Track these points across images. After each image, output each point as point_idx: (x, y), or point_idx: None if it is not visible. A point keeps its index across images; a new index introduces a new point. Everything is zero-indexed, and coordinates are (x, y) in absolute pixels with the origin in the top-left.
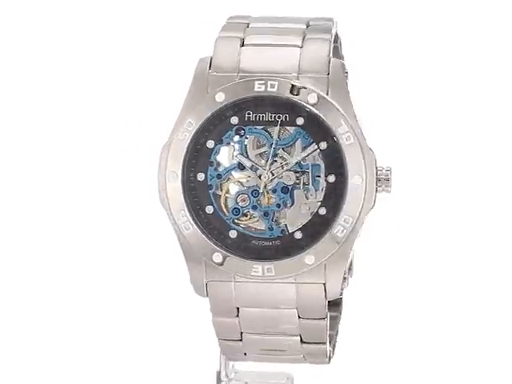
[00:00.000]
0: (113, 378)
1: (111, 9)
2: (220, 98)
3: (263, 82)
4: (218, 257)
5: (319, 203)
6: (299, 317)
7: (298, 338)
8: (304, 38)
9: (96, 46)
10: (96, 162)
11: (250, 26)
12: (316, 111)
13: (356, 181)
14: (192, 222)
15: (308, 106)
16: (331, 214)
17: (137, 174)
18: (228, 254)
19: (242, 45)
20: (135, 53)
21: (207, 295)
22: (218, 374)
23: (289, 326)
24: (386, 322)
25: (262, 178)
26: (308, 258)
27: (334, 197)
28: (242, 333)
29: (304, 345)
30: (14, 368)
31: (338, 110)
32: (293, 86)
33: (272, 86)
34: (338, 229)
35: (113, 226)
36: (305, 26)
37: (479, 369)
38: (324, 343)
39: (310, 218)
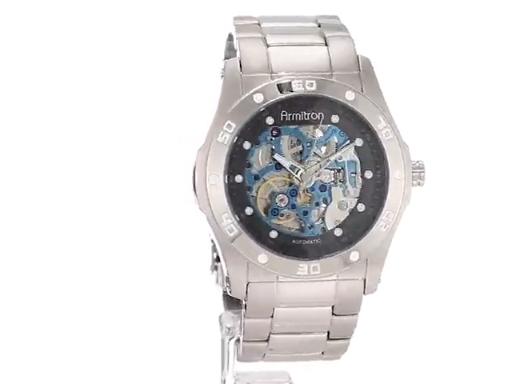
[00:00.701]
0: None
1: (110, 8)
2: (258, 99)
3: (300, 81)
4: (263, 258)
5: (356, 199)
6: (333, 314)
7: (326, 334)
8: (325, 36)
9: (96, 46)
10: (95, 162)
11: (261, 25)
12: (354, 108)
13: (397, 176)
14: (236, 224)
15: (346, 103)
16: (371, 209)
17: (136, 174)
18: (273, 255)
19: (266, 45)
20: (134, 53)
21: (246, 297)
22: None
23: (321, 323)
24: (388, 322)
25: (300, 177)
26: (353, 254)
27: (373, 192)
28: (270, 333)
29: (329, 341)
30: (15, 366)
31: (375, 106)
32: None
33: (310, 84)
34: (382, 224)
35: (111, 227)
36: (316, 25)
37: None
38: (349, 338)
39: (348, 214)
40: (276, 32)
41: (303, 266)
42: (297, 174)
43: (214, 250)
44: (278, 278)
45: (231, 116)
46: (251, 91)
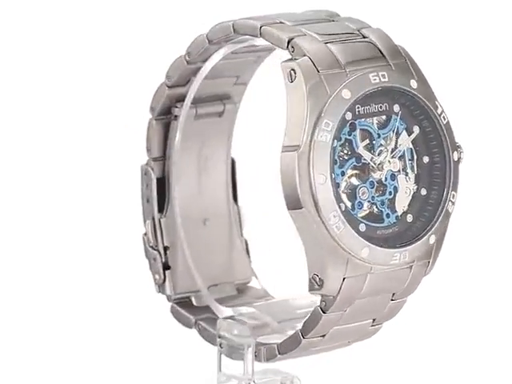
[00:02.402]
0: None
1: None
2: (347, 95)
3: (375, 73)
4: (365, 251)
5: (416, 185)
6: (391, 299)
7: (371, 320)
8: (355, 29)
9: (98, 45)
10: (95, 163)
11: (288, 24)
12: (418, 95)
13: (455, 157)
14: (344, 220)
15: (412, 91)
16: (434, 192)
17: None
18: (372, 247)
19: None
20: (136, 53)
21: (338, 292)
22: None
23: (378, 309)
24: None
25: (378, 168)
26: (431, 238)
27: (433, 176)
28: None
29: (370, 327)
30: None
31: (431, 91)
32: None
33: (383, 76)
34: (449, 205)
35: (109, 227)
36: (330, 20)
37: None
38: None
39: (411, 200)
40: (313, 30)
41: (396, 255)
42: (374, 165)
43: (160, 260)
44: (371, 269)
45: (327, 115)
46: (338, 88)
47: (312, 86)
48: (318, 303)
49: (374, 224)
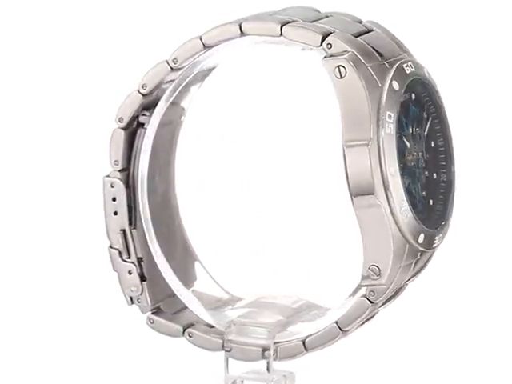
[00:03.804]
0: None
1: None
2: (396, 86)
3: (406, 64)
4: (422, 237)
5: (428, 169)
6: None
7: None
8: (359, 23)
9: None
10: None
11: (301, 22)
12: (432, 84)
13: (453, 142)
14: (409, 208)
15: (428, 80)
16: (444, 175)
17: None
18: (426, 232)
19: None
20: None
21: (392, 281)
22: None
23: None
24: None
25: (413, 155)
26: (450, 219)
27: (440, 160)
28: None
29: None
30: None
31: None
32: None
33: (411, 66)
34: (456, 187)
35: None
36: (325, 16)
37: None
38: None
39: (427, 184)
40: (333, 26)
41: (436, 238)
42: (413, 154)
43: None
44: (418, 255)
45: (387, 106)
46: (388, 80)
47: (365, 79)
48: (303, 297)
49: (413, 210)
